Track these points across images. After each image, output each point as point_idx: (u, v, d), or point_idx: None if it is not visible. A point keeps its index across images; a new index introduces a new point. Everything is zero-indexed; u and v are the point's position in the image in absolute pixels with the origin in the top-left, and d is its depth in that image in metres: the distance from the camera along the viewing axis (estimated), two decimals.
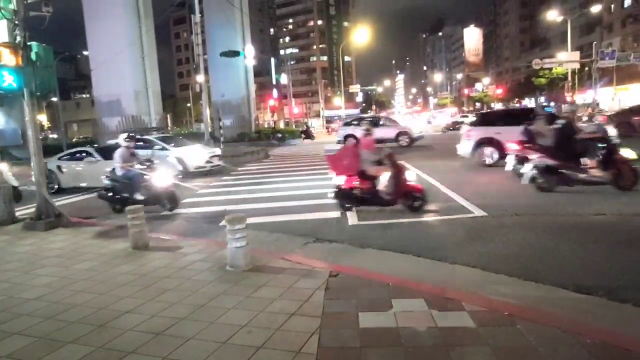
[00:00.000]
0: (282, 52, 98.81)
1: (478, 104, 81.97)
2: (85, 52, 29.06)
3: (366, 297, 3.75)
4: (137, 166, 8.36)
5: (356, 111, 71.83)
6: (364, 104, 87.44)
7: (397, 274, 4.27)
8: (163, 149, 13.86)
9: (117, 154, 8.32)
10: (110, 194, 8.48)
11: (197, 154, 14.66)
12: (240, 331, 3.27)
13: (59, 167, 12.71)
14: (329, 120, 58.90)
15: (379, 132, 20.18)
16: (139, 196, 8.15)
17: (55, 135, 45.02)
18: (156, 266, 4.96)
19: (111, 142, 17.89)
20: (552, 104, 57.83)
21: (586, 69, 43.11)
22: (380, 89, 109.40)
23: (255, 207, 8.50)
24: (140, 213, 5.75)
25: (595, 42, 39.12)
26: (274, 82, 46.09)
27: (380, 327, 3.21)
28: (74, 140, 38.84)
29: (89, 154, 12.42)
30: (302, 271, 4.50)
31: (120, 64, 24.16)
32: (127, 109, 25.30)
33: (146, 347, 3.11)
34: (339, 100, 66.71)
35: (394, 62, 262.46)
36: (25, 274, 4.99)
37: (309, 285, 4.09)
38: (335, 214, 7.46)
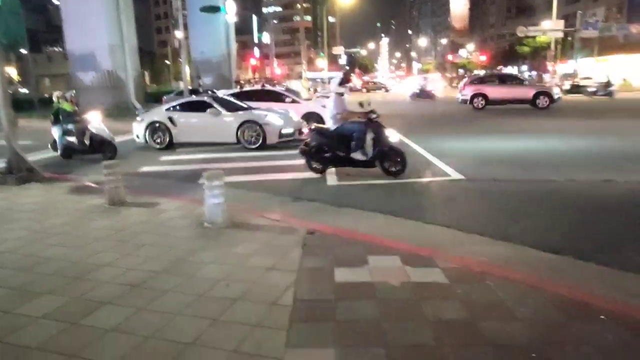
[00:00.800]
0: (264, 10, 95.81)
1: (461, 71, 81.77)
2: (56, 1, 27.59)
3: (342, 254, 3.81)
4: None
5: (339, 74, 70.91)
6: (347, 67, 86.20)
7: (374, 233, 4.34)
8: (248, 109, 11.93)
9: (334, 100, 7.33)
10: (318, 150, 7.23)
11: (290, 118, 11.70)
12: (217, 285, 3.30)
13: (170, 119, 11.10)
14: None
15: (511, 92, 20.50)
16: (359, 156, 7.05)
17: (26, 90, 43.37)
18: (133, 222, 4.92)
19: (224, 91, 16.63)
20: (534, 72, 58.16)
21: (569, 38, 43.15)
22: (364, 52, 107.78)
23: (233, 166, 8.43)
24: (116, 168, 5.64)
25: (580, 12, 38.96)
26: (255, 41, 44.89)
27: (355, 282, 3.28)
28: (46, 95, 37.41)
29: (208, 105, 11.03)
30: (280, 228, 4.53)
31: (94, 16, 23.09)
32: (102, 63, 24.35)
33: (123, 298, 3.11)
34: (322, 62, 65.64)
35: (378, 24, 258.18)
36: None
37: (286, 242, 4.13)
38: (315, 174, 7.46)
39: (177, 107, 11.54)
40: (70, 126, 9.61)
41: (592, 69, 42.26)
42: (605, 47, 42.74)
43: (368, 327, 2.66)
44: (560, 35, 39.64)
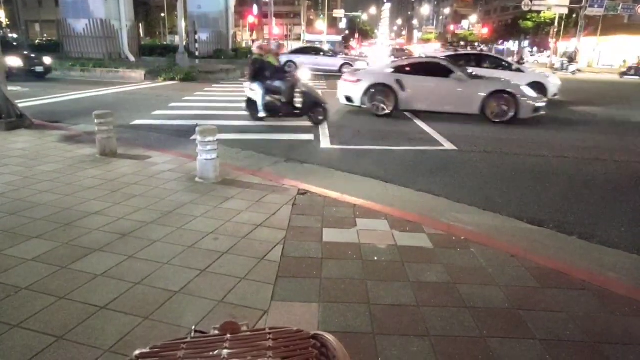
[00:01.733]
0: None
1: (462, 42, 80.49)
2: None
3: (331, 215, 3.87)
4: None
5: (338, 38, 69.44)
6: (347, 31, 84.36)
7: (364, 197, 4.38)
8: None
9: None
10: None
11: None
12: (206, 237, 3.34)
13: (398, 82, 9.66)
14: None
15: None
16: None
17: (15, 35, 41.96)
18: (124, 173, 4.91)
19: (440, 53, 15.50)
20: (534, 49, 57.49)
21: (574, 15, 42.46)
22: (365, 17, 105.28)
23: (228, 124, 8.35)
24: (109, 119, 5.57)
25: None
26: None
27: (342, 242, 3.34)
28: (36, 42, 36.25)
29: (447, 69, 9.65)
30: (271, 187, 4.56)
31: None
32: (95, 11, 23.55)
33: (112, 246, 3.15)
34: (321, 25, 64.16)
35: None
36: None
37: (276, 201, 4.17)
38: (309, 136, 7.46)
39: (407, 69, 10.10)
40: (277, 84, 8.28)
41: (594, 49, 41.92)
42: (608, 27, 42.19)
43: (352, 286, 2.74)
44: (565, 11, 38.98)
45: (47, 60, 16.23)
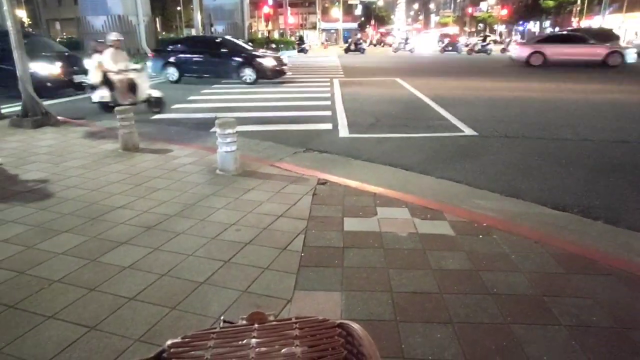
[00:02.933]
0: None
1: (481, 25, 78.71)
2: None
3: (352, 204, 3.88)
4: None
5: (354, 25, 68.70)
6: (362, 18, 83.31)
7: (384, 185, 4.38)
8: None
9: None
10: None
11: None
12: (229, 229, 3.40)
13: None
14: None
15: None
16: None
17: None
18: (146, 167, 5.00)
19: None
20: (556, 29, 55.84)
21: None
22: (381, 3, 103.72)
23: (246, 115, 8.41)
24: (130, 114, 5.67)
25: None
26: None
27: (363, 231, 3.36)
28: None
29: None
30: (291, 178, 4.59)
31: None
32: (112, 7, 23.85)
33: (138, 239, 3.23)
34: (336, 12, 63.56)
35: None
36: (15, 168, 5.01)
37: (297, 191, 4.19)
38: (327, 125, 7.46)
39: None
40: None
41: (619, 27, 40.48)
42: (635, 3, 40.63)
43: (374, 274, 2.75)
44: None
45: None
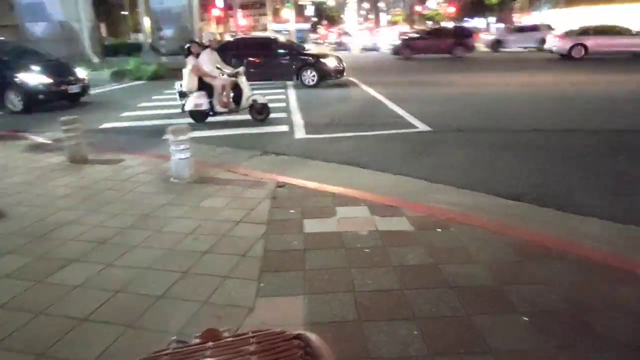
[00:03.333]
0: None
1: (430, 23, 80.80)
2: None
3: (311, 206, 3.85)
4: None
5: (307, 26, 68.87)
6: (314, 18, 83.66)
7: (342, 184, 4.38)
8: None
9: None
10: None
11: None
12: (186, 238, 3.29)
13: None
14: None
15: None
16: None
17: None
18: (96, 179, 4.78)
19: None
20: (500, 24, 58.10)
21: None
22: (332, 3, 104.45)
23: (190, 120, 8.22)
24: (76, 124, 5.40)
25: None
26: None
27: (323, 232, 3.34)
28: None
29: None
30: (249, 182, 4.51)
31: None
32: (52, 13, 22.71)
33: (90, 255, 3.07)
34: (288, 13, 63.48)
35: None
36: None
37: (255, 195, 4.12)
38: (283, 127, 7.41)
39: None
40: None
41: (558, 21, 42.63)
42: None
43: (336, 275, 2.74)
44: None
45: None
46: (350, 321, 2.30)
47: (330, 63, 13.22)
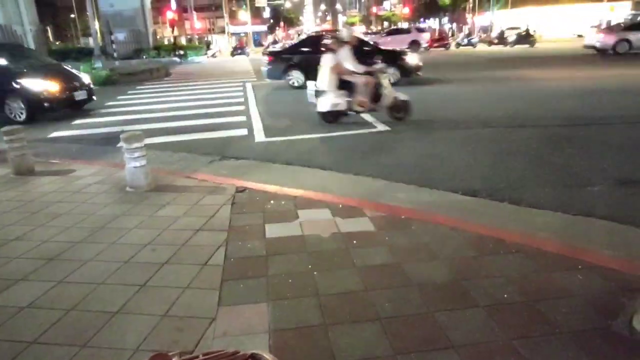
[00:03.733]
0: None
1: (386, 23, 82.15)
2: None
3: (273, 210, 3.81)
4: None
5: (263, 28, 68.52)
6: (271, 20, 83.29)
7: (304, 187, 4.36)
8: None
9: None
10: None
11: None
12: (143, 250, 3.17)
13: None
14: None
15: None
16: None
17: None
18: (45, 191, 4.54)
19: None
20: (454, 25, 59.89)
21: None
22: (288, 5, 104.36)
23: (157, 126, 8.01)
24: (20, 134, 5.12)
25: None
26: None
27: (286, 236, 3.30)
28: None
29: None
30: (208, 188, 4.41)
31: None
32: None
33: (38, 273, 2.90)
34: (245, 16, 62.93)
35: None
36: None
37: (215, 202, 4.04)
38: (242, 131, 7.32)
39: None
40: None
41: (507, 21, 44.37)
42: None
43: (299, 280, 2.71)
44: None
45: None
46: (315, 325, 2.27)
47: (412, 60, 12.77)
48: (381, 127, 7.17)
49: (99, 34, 21.66)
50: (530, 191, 4.25)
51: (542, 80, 12.30)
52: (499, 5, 44.30)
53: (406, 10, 76.48)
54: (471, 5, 45.72)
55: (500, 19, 43.88)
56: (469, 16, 47.10)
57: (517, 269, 2.73)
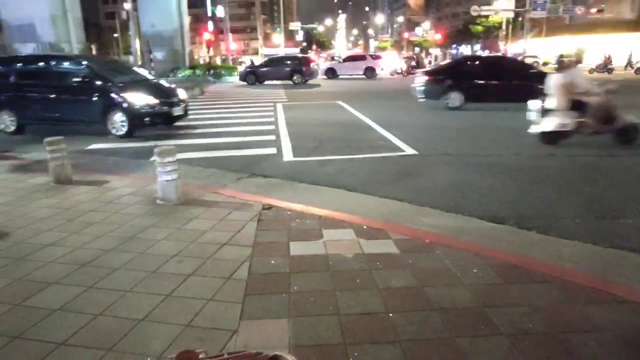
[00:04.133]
0: None
1: (417, 49, 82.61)
2: None
3: (297, 228, 3.85)
4: None
5: (296, 50, 69.99)
6: (304, 43, 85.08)
7: (329, 207, 4.39)
8: None
9: None
10: None
11: None
12: (170, 261, 3.26)
13: None
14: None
15: None
16: None
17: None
18: (80, 200, 4.73)
19: None
20: (486, 51, 59.66)
21: (520, 19, 44.48)
22: (321, 28, 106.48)
23: (188, 142, 8.25)
24: (61, 145, 5.37)
25: None
26: (209, 14, 43.35)
27: (309, 255, 3.33)
28: None
29: None
30: (235, 204, 4.50)
31: None
32: (42, 35, 22.79)
33: (70, 277, 3.02)
34: (278, 38, 64.55)
35: (336, 0, 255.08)
36: None
37: (241, 218, 4.11)
38: (271, 150, 7.45)
39: None
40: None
41: (541, 49, 43.93)
42: (552, 28, 44.38)
43: (321, 298, 2.72)
44: (511, 15, 40.76)
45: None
46: (335, 344, 2.28)
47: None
48: (409, 151, 7.18)
49: (139, 53, 22.58)
50: (560, 221, 4.16)
51: None
52: (533, 33, 43.97)
53: (438, 36, 76.80)
54: (504, 33, 45.57)
55: (533, 48, 43.49)
56: (501, 44, 46.89)
57: (543, 299, 2.67)
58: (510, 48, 46.38)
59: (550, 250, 3.44)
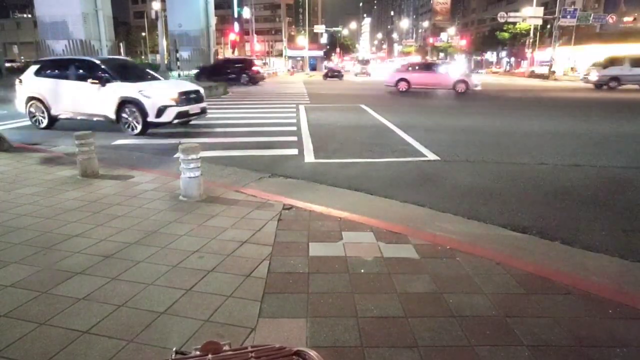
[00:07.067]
0: None
1: (442, 54, 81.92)
2: None
3: (317, 229, 3.86)
4: None
5: (320, 53, 70.17)
6: (328, 46, 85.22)
7: (349, 210, 4.39)
8: None
9: None
10: None
11: None
12: (191, 256, 3.30)
13: None
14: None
15: None
16: None
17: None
18: (106, 193, 4.84)
19: None
20: (512, 59, 58.76)
21: (548, 26, 43.65)
22: (345, 32, 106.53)
23: (211, 141, 8.35)
24: (89, 139, 5.51)
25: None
26: (235, 15, 43.87)
27: (328, 256, 3.33)
28: (17, 63, 35.85)
29: None
30: (256, 203, 4.54)
31: None
32: (74, 32, 23.49)
33: (95, 268, 3.09)
34: (302, 40, 64.81)
35: (361, 4, 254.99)
36: None
37: (262, 217, 4.15)
38: (293, 151, 7.48)
39: None
40: None
41: (569, 58, 43.05)
42: (582, 36, 43.40)
43: (339, 299, 2.72)
44: (540, 22, 40.04)
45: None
46: (352, 346, 2.28)
47: None
48: (431, 157, 7.12)
49: (166, 52, 23.00)
50: (585, 233, 4.07)
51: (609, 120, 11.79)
52: (562, 41, 43.08)
53: (463, 42, 75.97)
54: (532, 40, 44.75)
55: (562, 56, 42.65)
56: (528, 51, 46.08)
57: (566, 311, 2.61)
58: (537, 56, 45.57)
59: (575, 262, 3.37)
